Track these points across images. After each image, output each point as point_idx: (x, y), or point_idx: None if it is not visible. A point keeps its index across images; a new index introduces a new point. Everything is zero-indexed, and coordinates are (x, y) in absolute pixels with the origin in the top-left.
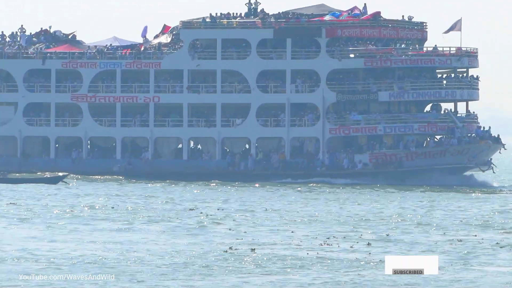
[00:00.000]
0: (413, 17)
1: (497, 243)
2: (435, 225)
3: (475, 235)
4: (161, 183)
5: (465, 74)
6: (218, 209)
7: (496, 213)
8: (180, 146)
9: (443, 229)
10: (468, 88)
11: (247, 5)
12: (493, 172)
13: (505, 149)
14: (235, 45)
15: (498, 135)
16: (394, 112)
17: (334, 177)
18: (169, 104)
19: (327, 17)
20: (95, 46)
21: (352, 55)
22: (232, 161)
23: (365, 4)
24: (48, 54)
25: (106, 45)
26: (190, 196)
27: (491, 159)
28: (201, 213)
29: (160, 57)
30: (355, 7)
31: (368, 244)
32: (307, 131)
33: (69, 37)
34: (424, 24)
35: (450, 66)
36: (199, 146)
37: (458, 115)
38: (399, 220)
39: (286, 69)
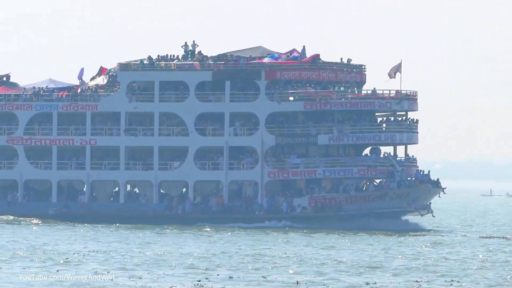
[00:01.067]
0: (351, 60)
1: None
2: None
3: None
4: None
5: (404, 118)
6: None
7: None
8: (116, 189)
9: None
10: (408, 131)
11: (183, 47)
12: (433, 216)
13: (444, 193)
14: (173, 87)
15: (438, 179)
16: (333, 156)
17: (271, 220)
18: (106, 146)
19: (266, 60)
20: (32, 88)
21: (291, 98)
22: (170, 205)
23: (303, 46)
24: None
25: (42, 87)
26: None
27: (430, 203)
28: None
29: (97, 99)
30: (294, 50)
31: None
32: (245, 174)
33: (4, 78)
34: (363, 66)
35: (389, 109)
36: (136, 190)
37: (397, 158)
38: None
39: (224, 111)
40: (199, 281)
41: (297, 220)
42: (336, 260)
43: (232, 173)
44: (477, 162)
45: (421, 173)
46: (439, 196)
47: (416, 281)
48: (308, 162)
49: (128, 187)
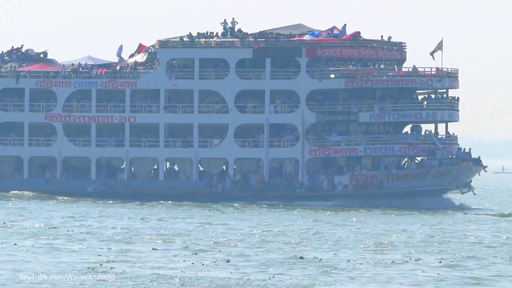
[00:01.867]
0: (392, 37)
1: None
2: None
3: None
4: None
5: (445, 95)
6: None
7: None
8: (156, 166)
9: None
10: (449, 109)
11: (222, 24)
12: (474, 194)
13: (485, 171)
14: (213, 64)
15: (479, 157)
16: (374, 133)
17: (313, 199)
18: (145, 124)
19: (306, 37)
20: (71, 65)
21: (332, 76)
22: (210, 182)
23: (344, 24)
24: (22, 73)
25: (81, 64)
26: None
27: (470, 181)
28: None
29: (136, 76)
30: (334, 27)
31: None
32: (286, 152)
33: (41, 55)
34: (403, 44)
35: (430, 87)
36: (175, 167)
37: (438, 136)
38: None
39: (265, 89)
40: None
41: (338, 198)
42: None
43: (272, 150)
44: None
45: (462, 151)
46: (479, 174)
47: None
48: (349, 140)
49: (168, 164)
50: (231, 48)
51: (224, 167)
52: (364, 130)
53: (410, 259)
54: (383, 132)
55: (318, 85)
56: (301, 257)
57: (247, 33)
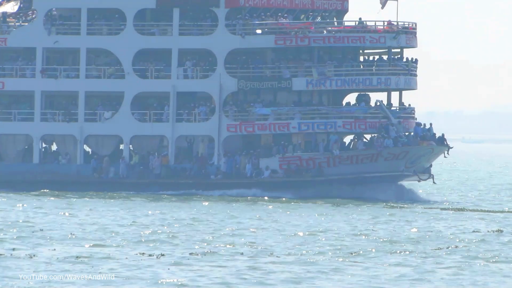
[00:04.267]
0: None
1: None
2: None
3: None
4: None
5: (399, 56)
6: None
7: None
8: (28, 146)
9: None
10: (405, 74)
11: None
12: (434, 183)
13: (448, 154)
14: (105, 16)
15: (443, 135)
16: (310, 104)
17: (232, 187)
18: (16, 91)
19: None
20: None
21: (258, 31)
22: (99, 166)
23: None
24: None
25: None
26: None
27: (431, 165)
28: None
29: (6, 31)
30: None
31: None
32: (198, 127)
33: None
34: None
35: (382, 45)
36: (54, 147)
37: (392, 108)
38: None
39: (171, 47)
40: None
41: (265, 186)
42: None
43: (180, 126)
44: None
45: (422, 127)
46: (444, 156)
47: None
48: (279, 113)
49: (44, 143)
50: None
51: (117, 147)
52: (296, 101)
53: None
54: (321, 103)
55: (240, 43)
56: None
57: None
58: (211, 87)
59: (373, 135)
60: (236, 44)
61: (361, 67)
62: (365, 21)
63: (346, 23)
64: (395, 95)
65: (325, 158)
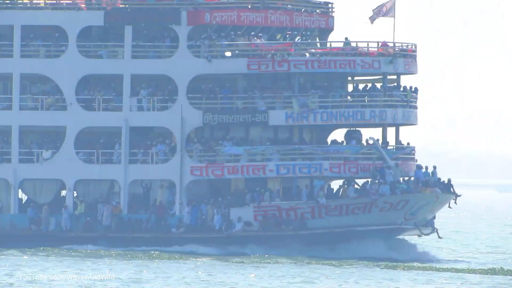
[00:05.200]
0: None
1: None
2: None
3: None
4: None
5: (395, 84)
6: None
7: None
8: None
9: None
10: (403, 106)
11: None
12: (439, 237)
13: (455, 203)
14: (43, 35)
15: (449, 180)
16: (289, 142)
17: (198, 243)
18: None
19: None
20: None
21: (228, 53)
22: (37, 217)
23: None
24: None
25: None
26: None
27: (434, 217)
28: None
29: None
30: None
31: None
32: (156, 170)
33: None
34: (330, 5)
35: (377, 71)
36: None
37: (388, 147)
38: None
39: (123, 73)
40: None
41: (236, 242)
42: None
43: (134, 168)
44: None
45: (424, 170)
46: (449, 206)
47: None
48: (253, 153)
49: None
50: (71, 10)
51: (59, 193)
52: (272, 138)
53: None
54: (302, 141)
55: (206, 68)
56: None
57: None
58: (171, 121)
59: (366, 180)
60: (200, 69)
61: (350, 97)
62: (356, 42)
63: (333, 44)
64: (391, 131)
65: (309, 208)
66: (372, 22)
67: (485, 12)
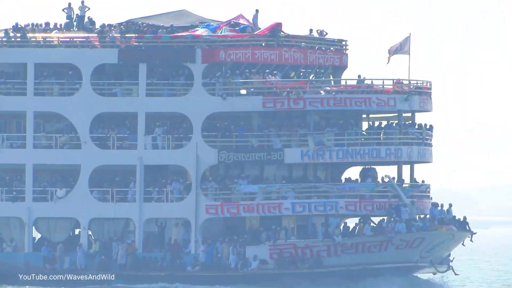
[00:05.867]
0: (326, 33)
1: None
2: None
3: None
4: None
5: (410, 122)
6: None
7: None
8: None
9: None
10: (419, 144)
11: (65, 11)
12: (455, 274)
13: (471, 241)
14: (57, 73)
15: (465, 218)
16: (304, 180)
17: (214, 282)
18: None
19: (200, 31)
20: None
21: (243, 91)
22: (51, 255)
23: (256, 10)
24: None
25: None
26: None
27: (449, 255)
28: None
29: None
30: (241, 16)
31: None
32: (170, 209)
33: None
34: (343, 43)
35: (392, 109)
36: None
37: (403, 185)
38: None
39: (138, 111)
40: None
41: (252, 280)
42: None
43: (149, 206)
44: None
45: (440, 208)
46: (463, 244)
47: None
48: (269, 191)
49: None
50: (85, 47)
51: (73, 232)
52: (287, 176)
53: None
54: (316, 178)
55: (221, 106)
56: None
57: (108, 24)
58: (186, 160)
59: (381, 218)
60: (215, 107)
61: (366, 135)
62: (371, 79)
63: (348, 82)
64: (405, 168)
65: (324, 246)
66: (388, 62)
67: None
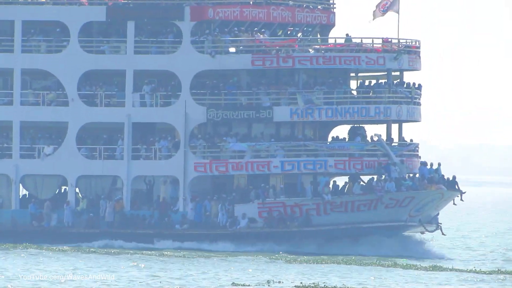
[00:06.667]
0: None
1: None
2: None
3: None
4: None
5: (398, 81)
6: None
7: None
8: None
9: None
10: (407, 102)
11: None
12: (443, 234)
13: (462, 200)
14: (44, 30)
15: (454, 177)
16: (292, 138)
17: (202, 240)
18: None
19: None
20: None
21: (232, 49)
22: (38, 213)
23: None
24: None
25: None
26: None
27: (437, 214)
28: None
29: None
30: None
31: None
32: (159, 166)
33: None
34: (331, 1)
35: (381, 68)
36: None
37: (392, 144)
38: None
39: (126, 69)
40: None
41: (241, 238)
42: None
43: (137, 164)
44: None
45: (429, 167)
46: (454, 203)
47: None
48: (258, 149)
49: None
50: (72, 5)
51: (61, 189)
52: (275, 134)
53: None
54: (304, 137)
55: (210, 64)
56: None
57: None
58: (174, 117)
59: (371, 176)
60: (204, 65)
61: (356, 93)
62: (360, 38)
63: (337, 41)
64: (394, 128)
65: (314, 204)
66: (373, 19)
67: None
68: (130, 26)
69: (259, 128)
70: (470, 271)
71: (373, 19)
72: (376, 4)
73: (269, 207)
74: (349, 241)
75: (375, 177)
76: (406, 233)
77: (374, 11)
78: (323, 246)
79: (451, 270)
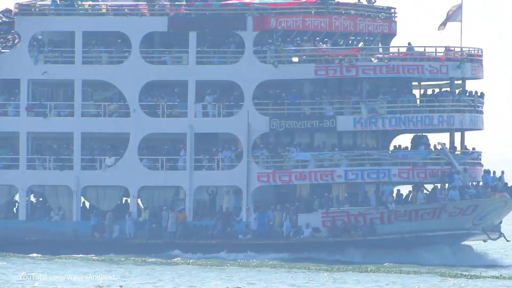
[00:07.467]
0: (375, 0)
1: None
2: None
3: None
4: None
5: (461, 89)
6: None
7: None
8: (14, 198)
9: None
10: (470, 111)
11: None
12: (507, 241)
13: None
14: (105, 41)
15: None
16: (356, 148)
17: (265, 250)
18: None
19: None
20: None
21: (295, 59)
22: (100, 224)
23: None
24: None
25: None
26: None
27: (500, 222)
28: None
29: None
30: None
31: None
32: (221, 177)
33: None
34: (393, 10)
35: (444, 76)
36: (42, 199)
37: (455, 153)
38: None
39: (188, 79)
40: None
41: (305, 248)
42: None
43: (199, 174)
44: None
45: (492, 175)
46: None
47: None
48: (321, 159)
49: (32, 196)
50: (134, 15)
51: (122, 200)
52: (337, 143)
53: None
54: (367, 146)
55: (273, 74)
56: None
57: None
58: (237, 127)
59: (434, 185)
60: (267, 75)
61: (419, 102)
62: (423, 46)
63: (398, 50)
64: (456, 136)
65: (378, 213)
66: (442, 28)
67: None
68: (192, 36)
69: (321, 138)
70: None
71: (444, 28)
72: (446, 12)
73: (333, 216)
74: (413, 251)
75: (439, 185)
76: (466, 242)
77: (444, 23)
78: (388, 255)
79: None
